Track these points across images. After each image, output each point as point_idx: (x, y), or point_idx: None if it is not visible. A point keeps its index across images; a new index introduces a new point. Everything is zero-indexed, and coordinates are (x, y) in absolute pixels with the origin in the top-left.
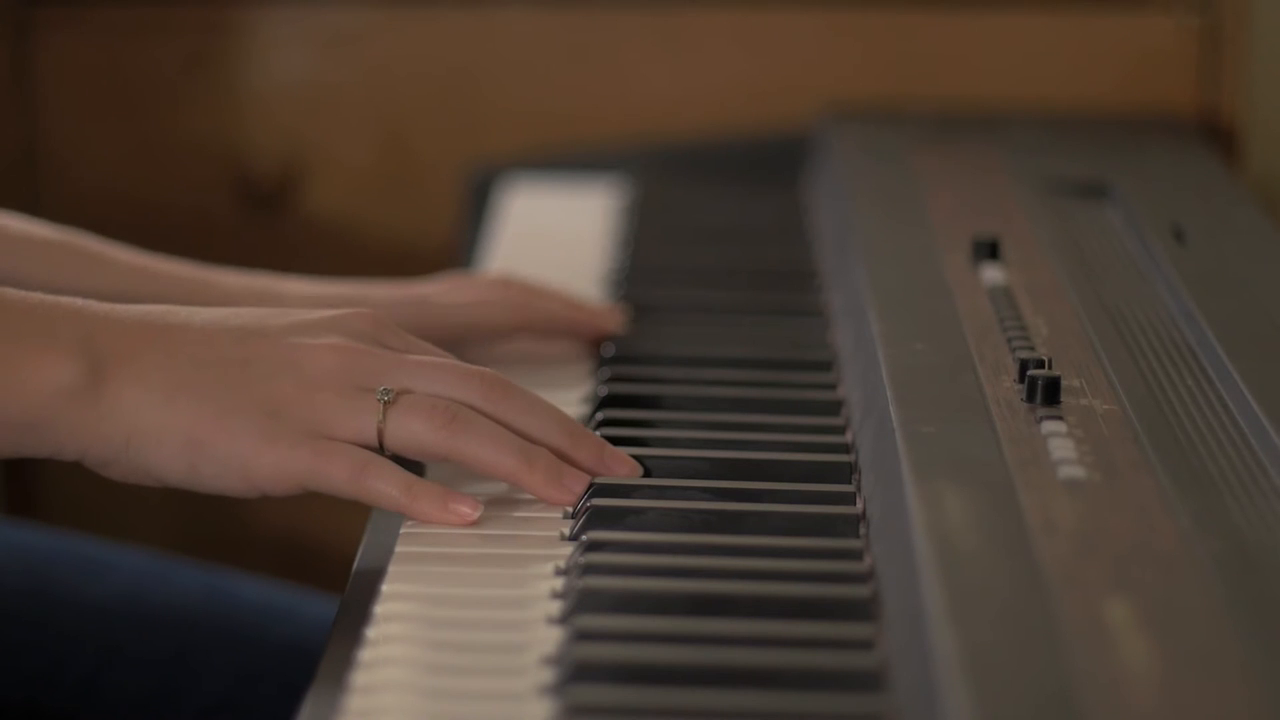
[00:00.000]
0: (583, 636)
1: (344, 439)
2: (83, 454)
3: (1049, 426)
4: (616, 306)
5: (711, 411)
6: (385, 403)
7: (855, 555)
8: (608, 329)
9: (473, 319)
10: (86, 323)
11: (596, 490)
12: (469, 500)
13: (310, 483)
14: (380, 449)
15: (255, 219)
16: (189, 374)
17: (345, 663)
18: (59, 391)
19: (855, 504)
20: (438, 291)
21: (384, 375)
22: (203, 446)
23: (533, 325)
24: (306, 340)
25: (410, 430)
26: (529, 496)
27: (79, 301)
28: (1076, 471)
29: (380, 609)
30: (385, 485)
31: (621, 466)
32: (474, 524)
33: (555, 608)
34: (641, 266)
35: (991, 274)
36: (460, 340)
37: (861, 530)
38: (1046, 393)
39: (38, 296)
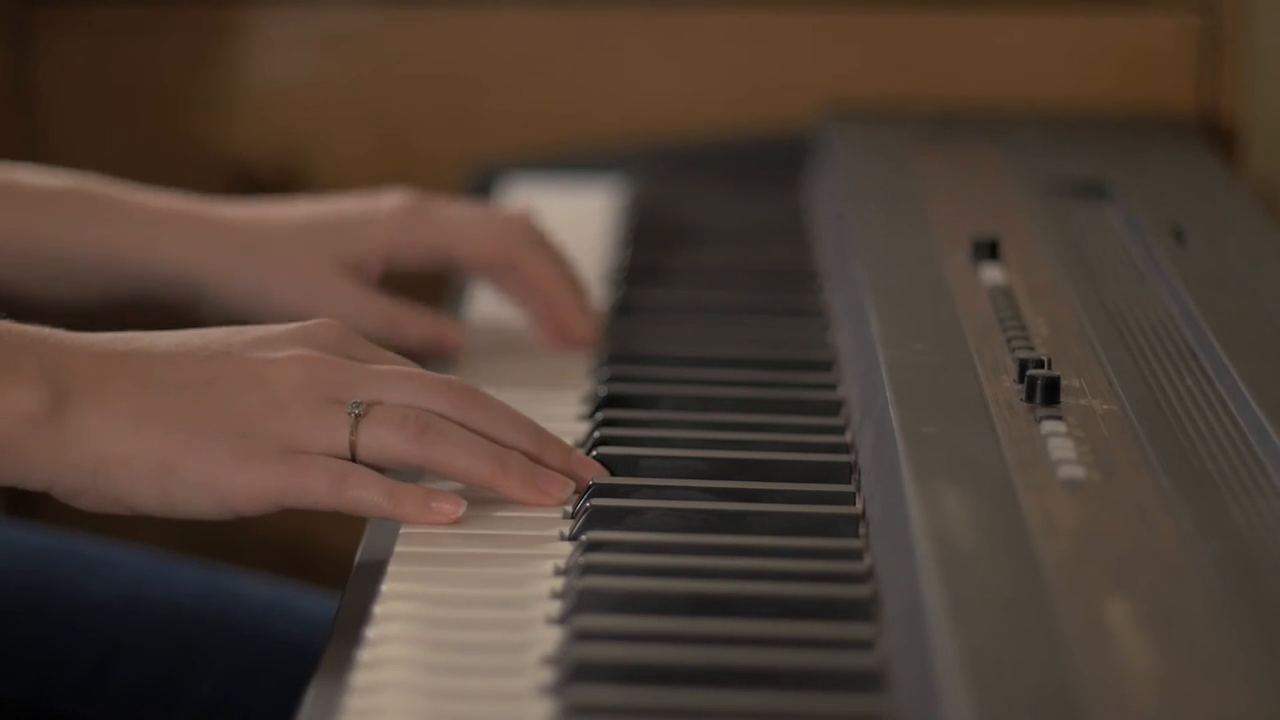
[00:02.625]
0: (583, 636)
1: (316, 452)
2: (50, 483)
3: (1049, 426)
4: (596, 320)
5: (711, 411)
6: (356, 415)
7: (855, 555)
8: (580, 333)
9: (463, 237)
10: (50, 351)
11: (596, 490)
12: (451, 498)
13: (287, 499)
14: (352, 461)
15: None
16: (155, 399)
17: (345, 662)
18: (21, 419)
19: (855, 504)
20: (442, 204)
21: (352, 386)
22: (174, 471)
23: (517, 269)
24: (271, 354)
25: (383, 441)
26: None
27: (44, 330)
28: (1076, 471)
29: (380, 609)
30: (366, 493)
31: (589, 472)
32: (458, 522)
33: (555, 608)
34: (641, 266)
35: (991, 274)
36: (449, 257)
37: (861, 530)
38: (1046, 392)
39: (2, 324)
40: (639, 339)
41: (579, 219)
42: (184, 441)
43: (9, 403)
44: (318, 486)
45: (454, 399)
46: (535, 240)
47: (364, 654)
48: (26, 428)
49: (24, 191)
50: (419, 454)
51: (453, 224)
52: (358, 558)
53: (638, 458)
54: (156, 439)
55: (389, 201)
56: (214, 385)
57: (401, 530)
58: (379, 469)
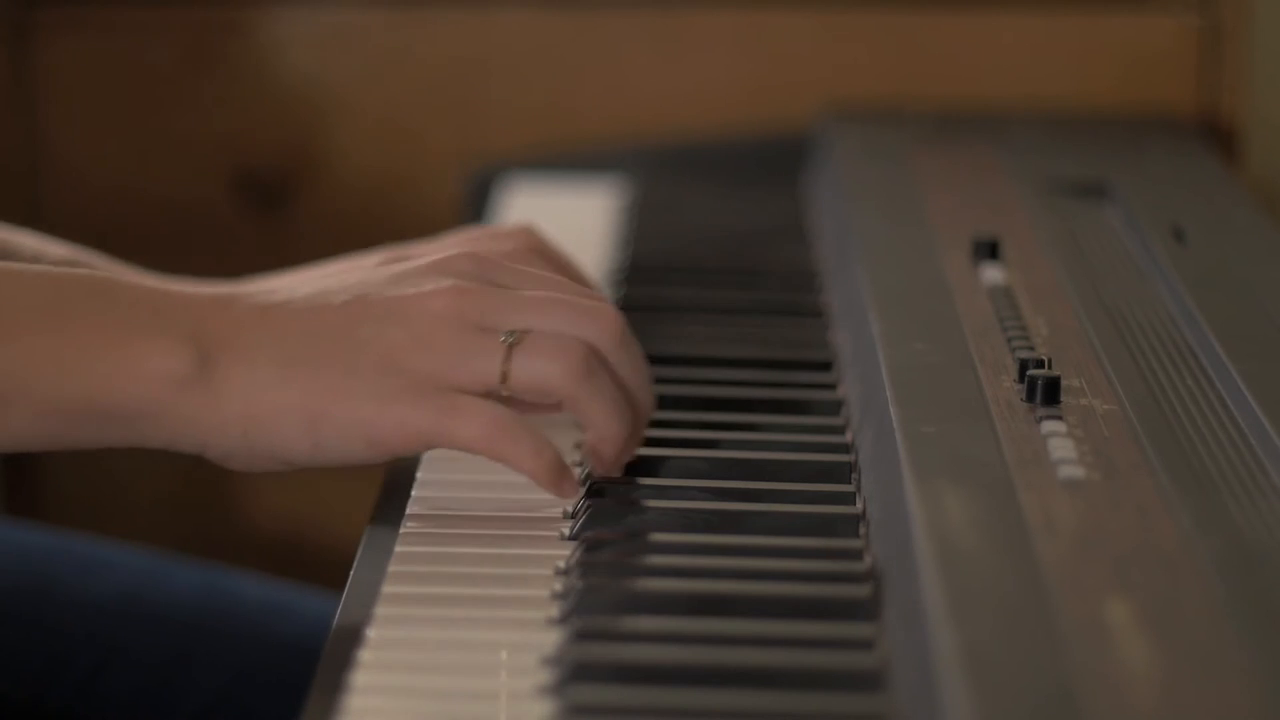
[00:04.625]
0: (583, 636)
1: (465, 384)
2: (203, 445)
3: (1049, 426)
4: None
5: (711, 411)
6: (509, 344)
7: (855, 555)
8: None
9: None
10: (194, 309)
11: (596, 490)
12: (576, 487)
13: (436, 439)
14: (500, 392)
15: (257, 217)
16: (298, 349)
17: (345, 662)
18: (170, 379)
19: (855, 504)
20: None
21: (500, 313)
22: (322, 419)
23: None
24: (411, 290)
25: (539, 371)
26: (529, 496)
27: (188, 288)
28: (1076, 471)
29: (380, 609)
30: (517, 448)
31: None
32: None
33: (555, 608)
34: (641, 266)
35: (991, 274)
36: None
37: (861, 530)
38: (1046, 393)
39: (147, 285)
40: (639, 339)
41: (579, 219)
42: (330, 386)
43: (157, 364)
44: (467, 431)
45: (608, 331)
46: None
47: (364, 654)
48: (176, 389)
49: (22, 255)
50: (571, 390)
51: None
52: (358, 556)
53: (638, 458)
54: (303, 388)
55: (368, 263)
56: (355, 327)
57: (401, 530)
58: (518, 402)
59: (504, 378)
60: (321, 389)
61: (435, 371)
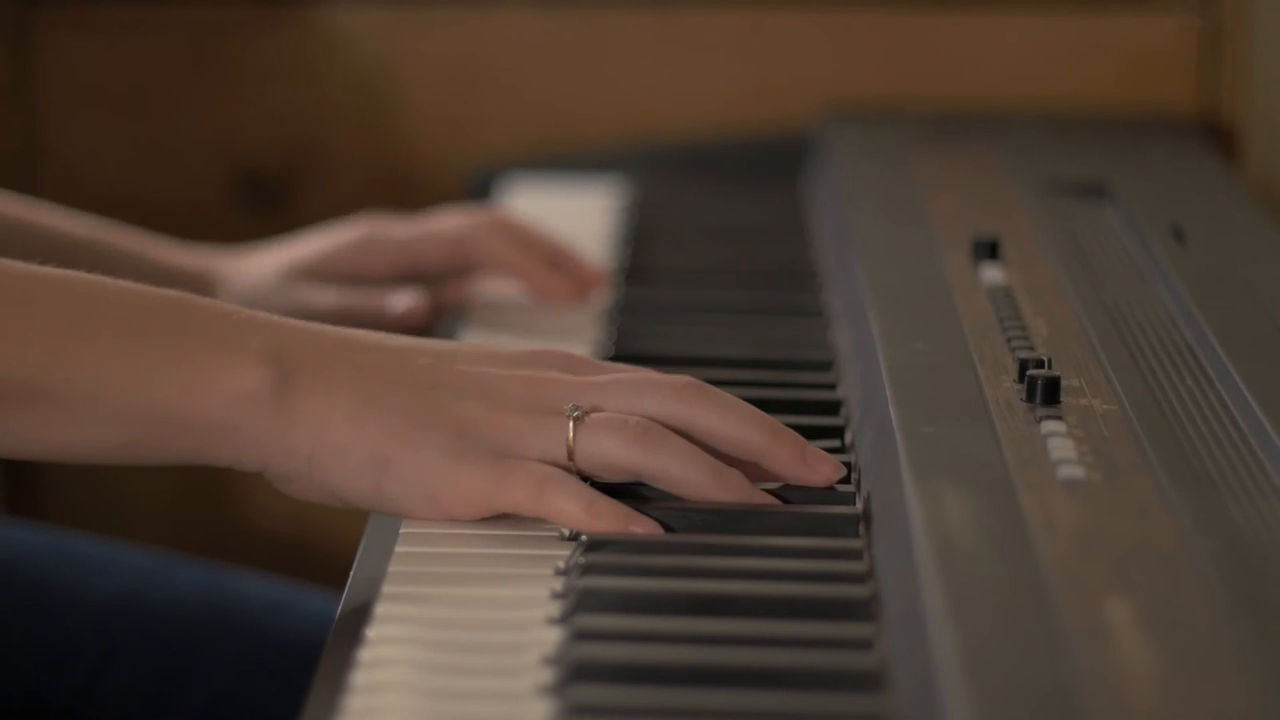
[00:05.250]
0: (583, 636)
1: (533, 459)
2: (265, 465)
3: (1049, 426)
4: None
5: None
6: (575, 419)
7: (855, 555)
8: (587, 283)
9: (418, 248)
10: (278, 334)
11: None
12: (648, 524)
13: (494, 502)
14: (571, 469)
15: (257, 217)
16: (378, 391)
17: (346, 662)
18: (246, 397)
19: (855, 504)
20: (400, 224)
21: (572, 398)
22: (388, 464)
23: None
24: (497, 370)
25: (601, 447)
26: None
27: (273, 316)
28: (1076, 471)
29: (380, 609)
30: (566, 501)
31: (824, 466)
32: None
33: (555, 608)
34: (641, 266)
35: (991, 274)
36: (413, 268)
37: (861, 530)
38: (1046, 393)
39: (231, 306)
40: (639, 339)
41: (579, 219)
42: (400, 434)
43: (234, 380)
44: (519, 491)
45: (679, 392)
46: (494, 232)
47: (364, 653)
48: (249, 407)
49: (44, 235)
50: (636, 459)
51: (406, 240)
52: (358, 556)
53: None
54: (374, 430)
55: (349, 231)
56: (434, 389)
57: (402, 530)
58: (599, 479)
59: (570, 454)
60: (392, 433)
61: (504, 444)
